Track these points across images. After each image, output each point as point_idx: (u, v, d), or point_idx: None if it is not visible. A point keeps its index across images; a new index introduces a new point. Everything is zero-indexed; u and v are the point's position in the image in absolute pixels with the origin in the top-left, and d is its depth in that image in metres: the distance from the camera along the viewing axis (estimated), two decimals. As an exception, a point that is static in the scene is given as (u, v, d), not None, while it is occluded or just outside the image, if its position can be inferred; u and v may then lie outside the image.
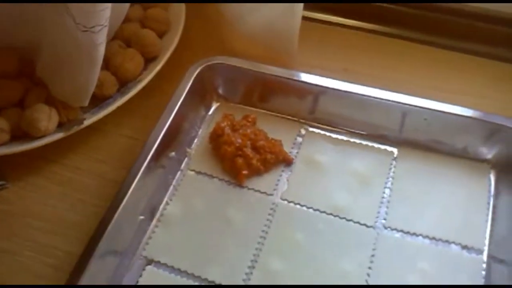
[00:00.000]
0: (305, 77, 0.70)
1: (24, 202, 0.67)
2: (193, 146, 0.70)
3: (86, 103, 0.69)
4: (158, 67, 0.74)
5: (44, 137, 0.67)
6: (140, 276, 0.58)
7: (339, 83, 0.69)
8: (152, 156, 0.63)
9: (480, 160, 0.65)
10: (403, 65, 0.79)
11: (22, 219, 0.65)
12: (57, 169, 0.69)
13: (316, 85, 0.70)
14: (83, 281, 0.54)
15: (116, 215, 0.58)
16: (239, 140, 0.66)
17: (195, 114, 0.72)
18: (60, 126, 0.69)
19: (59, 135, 0.67)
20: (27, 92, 0.71)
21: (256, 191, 0.65)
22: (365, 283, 0.57)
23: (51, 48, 0.67)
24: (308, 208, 0.63)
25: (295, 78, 0.70)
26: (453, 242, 0.59)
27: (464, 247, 0.59)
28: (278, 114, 0.72)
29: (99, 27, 0.60)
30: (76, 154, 0.71)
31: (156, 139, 0.64)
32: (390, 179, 0.65)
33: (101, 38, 0.61)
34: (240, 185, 0.65)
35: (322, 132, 0.70)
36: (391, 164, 0.66)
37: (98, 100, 0.72)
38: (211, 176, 0.66)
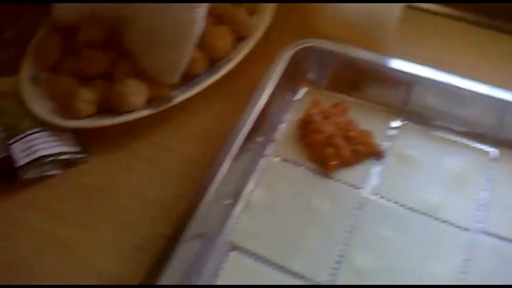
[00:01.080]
0: (401, 64, 0.67)
1: (106, 176, 0.67)
2: (279, 131, 0.68)
3: (176, 80, 0.68)
4: (250, 46, 0.72)
5: (131, 112, 0.67)
6: (224, 261, 0.57)
7: (436, 73, 0.66)
8: (241, 140, 0.62)
9: None
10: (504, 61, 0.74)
11: (104, 193, 0.65)
12: (141, 145, 0.69)
13: (412, 74, 0.66)
14: (171, 263, 0.53)
15: (205, 198, 0.57)
16: (330, 129, 0.64)
17: (283, 98, 0.69)
18: (148, 102, 0.68)
19: (147, 112, 0.67)
20: (115, 64, 0.70)
21: (344, 183, 0.62)
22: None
23: (146, 20, 0.66)
24: (400, 205, 0.60)
25: (390, 65, 0.67)
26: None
27: None
28: (369, 103, 0.69)
29: (200, 3, 0.58)
30: (160, 131, 0.70)
31: (246, 123, 0.63)
32: (490, 181, 0.61)
33: (201, 14, 0.59)
34: (328, 176, 0.63)
35: (416, 125, 0.66)
36: (490, 165, 0.62)
37: (186, 78, 0.70)
38: (297, 164, 0.64)
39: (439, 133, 0.66)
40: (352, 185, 0.62)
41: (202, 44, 0.71)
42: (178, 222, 0.56)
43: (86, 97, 0.66)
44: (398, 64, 0.67)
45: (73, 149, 0.67)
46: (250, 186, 0.63)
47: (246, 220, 0.60)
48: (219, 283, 0.56)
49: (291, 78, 0.70)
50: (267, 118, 0.67)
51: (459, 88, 0.64)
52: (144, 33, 0.67)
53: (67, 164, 0.67)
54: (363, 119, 0.66)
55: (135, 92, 0.66)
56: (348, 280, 0.55)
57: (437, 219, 0.59)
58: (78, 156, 0.67)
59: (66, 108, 0.67)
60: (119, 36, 0.71)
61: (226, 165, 0.60)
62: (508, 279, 0.54)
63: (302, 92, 0.71)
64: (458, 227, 0.58)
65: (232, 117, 0.67)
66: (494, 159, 0.63)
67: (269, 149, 0.66)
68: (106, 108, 0.68)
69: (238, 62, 0.71)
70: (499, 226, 0.58)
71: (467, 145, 0.64)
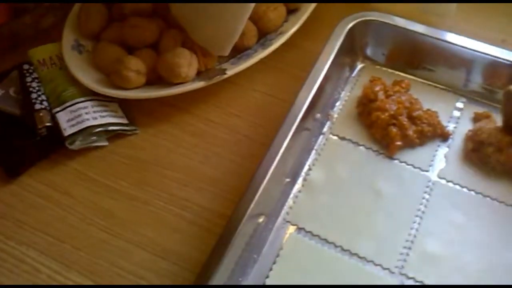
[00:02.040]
0: (464, 41, 0.64)
1: (156, 150, 0.64)
2: (336, 109, 0.64)
3: (228, 52, 0.65)
4: (302, 19, 0.68)
5: (182, 84, 0.63)
6: (285, 241, 0.55)
7: (502, 51, 0.62)
8: (301, 118, 0.58)
9: None
10: None
11: (154, 167, 0.62)
12: (190, 119, 0.66)
13: (475, 51, 0.63)
14: (235, 241, 0.51)
15: (267, 178, 0.54)
16: (394, 107, 0.60)
17: (340, 74, 0.66)
18: (198, 74, 0.65)
19: (200, 84, 0.63)
20: (162, 34, 0.67)
21: (409, 165, 0.59)
22: (537, 280, 0.51)
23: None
24: (470, 190, 0.57)
25: (449, 40, 0.64)
26: None
27: None
28: (430, 83, 0.66)
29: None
30: (209, 105, 0.67)
31: (305, 101, 0.59)
32: None
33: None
34: (391, 157, 0.60)
35: (481, 108, 0.63)
36: None
37: (237, 51, 0.67)
38: (357, 143, 0.61)
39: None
40: (418, 168, 0.59)
41: (253, 17, 0.68)
42: (238, 201, 0.53)
43: (135, 66, 0.63)
44: (461, 41, 0.64)
45: (121, 120, 0.64)
46: (308, 164, 0.60)
47: (305, 199, 0.57)
48: (278, 262, 0.53)
49: (348, 53, 0.67)
50: (324, 94, 0.63)
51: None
52: (195, 4, 0.63)
53: (115, 135, 0.64)
54: (426, 99, 0.63)
55: (186, 63, 0.63)
56: (418, 266, 0.52)
57: (509, 205, 0.56)
58: (127, 128, 0.64)
59: (114, 77, 0.63)
60: (167, 5, 0.67)
61: (286, 144, 0.56)
62: None
63: (358, 68, 0.68)
64: (533, 214, 0.55)
65: (285, 93, 0.65)
66: None
67: (327, 127, 0.63)
68: (156, 79, 0.65)
69: (289, 36, 0.68)
70: None
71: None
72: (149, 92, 0.63)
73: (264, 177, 0.54)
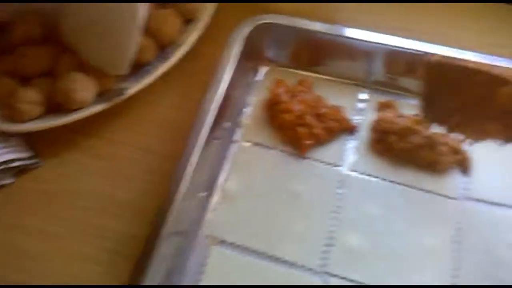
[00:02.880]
0: (358, 33, 0.65)
1: (64, 180, 0.61)
2: (245, 115, 0.64)
3: (125, 71, 0.62)
4: (200, 29, 0.67)
5: (81, 109, 0.61)
6: (207, 257, 0.53)
7: (396, 39, 0.64)
8: (208, 127, 0.57)
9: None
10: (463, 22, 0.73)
11: (63, 198, 0.59)
12: (96, 144, 0.63)
13: (374, 43, 0.64)
14: (152, 265, 0.49)
15: (180, 193, 0.53)
16: (299, 108, 0.60)
17: (244, 79, 0.66)
18: (98, 97, 0.62)
19: (99, 107, 0.61)
20: (57, 60, 0.64)
21: (321, 162, 0.60)
22: (453, 259, 0.53)
23: (85, 11, 0.60)
24: (382, 179, 0.58)
25: (348, 35, 0.65)
26: (541, 211, 0.56)
27: (554, 216, 0.55)
28: (334, 78, 0.66)
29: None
30: (116, 127, 0.64)
31: (210, 109, 0.59)
32: (466, 145, 0.60)
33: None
34: (303, 156, 0.60)
35: (385, 97, 0.64)
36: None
37: (136, 67, 0.65)
38: (269, 147, 0.61)
39: (411, 102, 0.63)
40: (330, 164, 0.59)
41: (149, 30, 0.66)
42: (153, 221, 0.52)
43: (29, 97, 0.60)
44: (359, 34, 0.65)
45: (24, 154, 0.60)
46: (223, 175, 0.59)
47: (224, 211, 0.56)
48: (204, 279, 0.52)
49: (250, 58, 0.66)
50: (230, 102, 0.62)
51: (427, 53, 0.62)
52: (84, 24, 0.61)
53: (20, 171, 0.60)
54: (330, 95, 0.64)
55: (82, 87, 0.60)
56: (340, 262, 0.53)
57: (421, 190, 0.57)
58: (31, 161, 0.61)
59: (8, 112, 0.60)
60: (57, 30, 0.65)
61: (196, 156, 0.55)
62: (500, 243, 0.54)
63: (262, 72, 0.68)
64: (444, 196, 0.57)
65: (191, 104, 0.63)
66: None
67: (238, 135, 0.62)
68: (54, 107, 0.61)
69: (189, 46, 0.66)
70: (484, 191, 0.57)
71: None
72: (47, 122, 0.60)
73: (175, 194, 0.52)
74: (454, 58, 0.54)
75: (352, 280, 0.51)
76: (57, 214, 0.58)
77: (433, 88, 0.55)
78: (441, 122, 0.56)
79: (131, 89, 0.62)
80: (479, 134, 0.54)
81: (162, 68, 0.64)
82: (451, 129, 0.56)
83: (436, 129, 0.58)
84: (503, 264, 0.52)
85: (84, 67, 0.63)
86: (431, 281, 0.51)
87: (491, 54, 0.61)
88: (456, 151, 0.58)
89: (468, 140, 0.55)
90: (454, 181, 0.58)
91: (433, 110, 0.56)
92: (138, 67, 0.65)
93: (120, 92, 0.62)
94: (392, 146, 0.58)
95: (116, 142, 0.63)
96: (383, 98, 0.64)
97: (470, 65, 0.52)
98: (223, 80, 0.61)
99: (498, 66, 0.53)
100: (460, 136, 0.56)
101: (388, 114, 0.60)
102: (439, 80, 0.54)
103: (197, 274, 0.52)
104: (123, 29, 0.60)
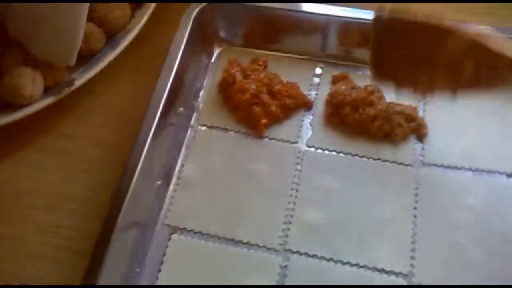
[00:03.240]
0: (312, 7, 0.64)
1: (17, 179, 0.59)
2: (200, 99, 0.63)
3: (73, 61, 0.61)
4: (148, 13, 0.66)
5: (30, 104, 0.59)
6: (167, 246, 0.52)
7: (350, 10, 0.63)
8: (161, 114, 0.56)
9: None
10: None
11: (19, 199, 0.58)
12: (49, 140, 0.62)
13: (324, 15, 0.63)
14: (107, 260, 0.48)
15: (133, 183, 0.51)
16: (253, 86, 0.59)
17: (197, 62, 0.64)
18: (46, 90, 0.61)
19: (48, 101, 0.59)
20: (2, 56, 0.62)
21: (278, 140, 0.59)
22: (413, 226, 0.52)
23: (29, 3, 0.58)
24: (338, 152, 0.57)
25: (302, 9, 0.64)
26: (497, 172, 0.55)
27: (510, 175, 0.55)
28: (288, 55, 0.65)
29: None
30: (68, 121, 0.63)
31: (162, 95, 0.57)
32: (421, 112, 0.60)
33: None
34: (260, 136, 0.59)
35: (340, 70, 0.63)
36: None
37: (85, 57, 0.63)
38: (226, 130, 0.60)
39: (366, 72, 0.62)
40: (287, 141, 0.59)
41: (95, 17, 0.64)
42: (106, 215, 0.50)
43: (-26, 96, 0.58)
44: (311, 7, 0.64)
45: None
46: (179, 161, 0.58)
47: (182, 198, 0.55)
48: (164, 268, 0.51)
49: (201, 40, 0.65)
50: (184, 86, 0.61)
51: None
52: (28, 16, 0.59)
53: (-31, 174, 0.58)
54: (285, 72, 0.63)
55: (29, 81, 0.58)
56: (301, 238, 0.52)
57: (377, 159, 0.57)
58: (-20, 163, 0.59)
59: (-48, 112, 0.58)
60: (1, 24, 0.62)
61: (150, 144, 0.54)
62: (457, 206, 0.54)
63: (216, 53, 0.66)
64: (400, 164, 0.56)
65: (144, 91, 0.61)
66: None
67: (193, 119, 0.61)
68: (2, 105, 0.60)
69: (138, 31, 0.65)
70: (438, 155, 0.57)
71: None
72: (-4, 120, 0.58)
73: (129, 184, 0.51)
74: (403, 14, 0.52)
75: (313, 256, 0.51)
76: (9, 216, 0.56)
77: (381, 45, 0.54)
78: (389, 78, 0.55)
79: (79, 80, 0.60)
80: (428, 87, 0.53)
81: (110, 56, 0.62)
82: (399, 85, 0.55)
83: (390, 97, 0.58)
84: (460, 227, 0.52)
85: (31, 61, 0.61)
86: (391, 250, 0.51)
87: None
88: (412, 119, 0.58)
89: (418, 96, 0.55)
90: (409, 148, 0.57)
91: (382, 67, 0.55)
92: (88, 57, 0.64)
93: (69, 83, 0.61)
94: (346, 119, 0.58)
95: (68, 136, 0.62)
96: (337, 72, 0.63)
97: (420, 19, 0.51)
98: (174, 64, 0.59)
99: (449, 20, 0.51)
100: (413, 102, 0.55)
101: (342, 87, 0.59)
102: (387, 36, 0.53)
103: (157, 264, 0.51)
104: (67, 19, 0.58)
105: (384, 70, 0.55)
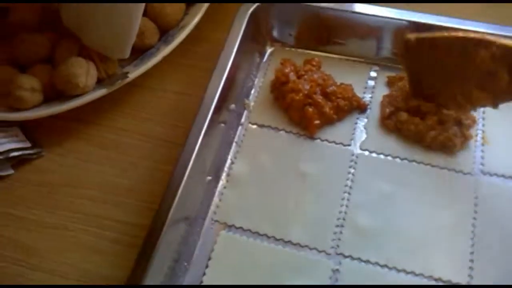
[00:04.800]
0: (367, 9, 0.62)
1: (66, 170, 0.59)
2: (251, 97, 0.62)
3: (127, 54, 0.61)
4: (202, 11, 0.65)
5: (83, 95, 0.59)
6: (215, 242, 0.51)
7: (405, 13, 0.62)
8: (213, 111, 0.55)
9: None
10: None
11: (65, 189, 0.58)
12: (99, 132, 0.62)
13: (379, 17, 0.62)
14: (157, 254, 0.47)
15: (185, 178, 0.51)
16: (307, 87, 0.58)
17: (250, 61, 0.64)
18: (99, 82, 0.61)
19: (101, 92, 0.59)
20: (56, 46, 0.62)
21: (331, 142, 0.58)
22: (471, 235, 0.50)
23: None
24: (393, 157, 0.56)
25: (356, 11, 0.63)
26: (561, 183, 0.53)
27: None
28: (342, 57, 0.64)
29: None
30: (118, 114, 0.63)
31: (215, 92, 0.56)
32: (481, 119, 0.58)
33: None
34: (312, 137, 0.58)
35: (395, 73, 0.62)
36: (482, 104, 0.59)
37: (139, 52, 0.63)
38: (277, 129, 0.59)
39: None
40: (340, 143, 0.57)
41: (150, 12, 0.65)
42: (157, 209, 0.50)
43: (28, 84, 0.58)
44: (366, 9, 0.62)
45: (23, 144, 0.59)
46: (229, 158, 0.57)
47: (231, 195, 0.55)
48: (212, 265, 0.50)
49: (255, 39, 0.64)
50: (236, 84, 0.61)
51: (436, 26, 0.60)
52: (84, 8, 0.59)
53: (20, 161, 0.59)
54: (339, 74, 0.61)
55: (83, 72, 0.59)
56: (353, 242, 0.51)
57: (435, 166, 0.55)
58: (31, 151, 0.59)
59: (8, 99, 0.58)
60: (56, 15, 0.63)
61: (202, 140, 0.53)
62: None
63: (268, 52, 0.66)
64: (459, 172, 0.54)
65: (195, 88, 0.61)
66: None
67: (244, 117, 0.60)
68: (54, 95, 0.60)
69: (192, 28, 0.65)
70: (499, 165, 0.55)
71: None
72: (48, 109, 0.58)
73: (181, 179, 0.50)
74: (429, 32, 0.52)
75: (366, 261, 0.49)
76: (58, 205, 0.56)
77: (415, 65, 0.54)
78: (428, 96, 0.55)
79: (133, 74, 0.60)
80: (467, 101, 0.53)
81: (164, 52, 0.62)
82: (439, 102, 0.54)
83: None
84: (521, 238, 0.50)
85: (85, 52, 0.61)
86: (448, 259, 0.49)
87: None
88: (468, 127, 0.56)
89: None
90: (468, 156, 0.55)
91: (419, 86, 0.55)
92: (142, 51, 0.64)
93: (122, 76, 0.60)
94: (402, 125, 0.56)
95: (118, 129, 0.62)
96: (392, 74, 0.61)
97: (446, 35, 0.51)
98: (228, 63, 0.59)
99: (472, 31, 0.52)
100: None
101: (399, 91, 0.58)
102: (419, 57, 0.53)
103: (204, 260, 0.51)
104: (125, 13, 0.58)
105: (422, 89, 0.55)
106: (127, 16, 0.58)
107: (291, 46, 0.66)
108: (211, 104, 0.56)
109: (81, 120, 0.62)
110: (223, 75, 0.58)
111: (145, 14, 0.64)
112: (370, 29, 0.63)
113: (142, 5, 0.58)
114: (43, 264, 0.53)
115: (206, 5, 0.66)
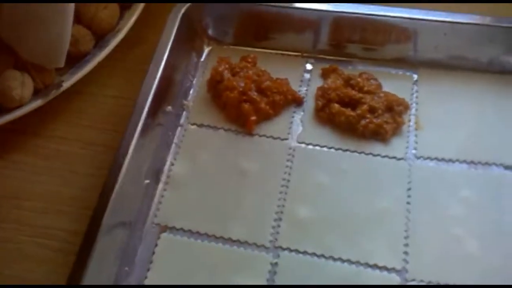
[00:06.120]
0: (303, 4, 0.63)
1: (9, 182, 0.59)
2: (189, 97, 0.62)
3: (62, 63, 0.60)
4: (137, 13, 0.65)
5: (20, 107, 0.59)
6: (156, 245, 0.52)
7: (341, 5, 0.62)
8: (147, 113, 0.56)
9: (508, 72, 0.60)
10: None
11: (9, 201, 0.57)
12: (40, 142, 0.61)
13: (317, 10, 0.63)
14: (92, 260, 0.47)
15: (118, 183, 0.51)
16: (242, 84, 0.59)
17: (187, 62, 0.64)
18: (36, 93, 0.60)
19: (37, 103, 0.59)
20: (-8, 59, 0.62)
21: (268, 137, 0.58)
22: (406, 220, 0.51)
23: (17, 4, 0.58)
24: (329, 148, 0.57)
25: (293, 6, 0.63)
26: (494, 164, 0.54)
27: (507, 167, 0.54)
28: (279, 51, 0.65)
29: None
30: (58, 123, 0.63)
31: (148, 94, 0.57)
32: (414, 105, 0.59)
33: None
34: (250, 133, 0.58)
35: (331, 64, 0.63)
36: (412, 89, 0.60)
37: (75, 59, 0.63)
38: (215, 128, 0.59)
39: (357, 67, 0.62)
40: (277, 138, 0.58)
41: (83, 19, 0.64)
42: (91, 215, 0.50)
43: (-36, 100, 0.58)
44: (301, 4, 0.63)
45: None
46: (169, 160, 0.57)
47: (171, 197, 0.55)
48: (153, 267, 0.50)
49: (190, 39, 0.64)
50: (173, 85, 0.61)
51: (370, 15, 0.61)
52: (15, 18, 0.59)
53: (-40, 177, 0.58)
54: (275, 69, 0.62)
55: (18, 84, 0.58)
56: (291, 235, 0.51)
57: (369, 154, 0.56)
58: (-30, 166, 0.59)
59: None
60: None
61: (136, 143, 0.54)
62: (451, 199, 0.52)
63: (206, 51, 0.66)
64: (392, 158, 0.55)
65: (134, 91, 0.61)
66: (415, 82, 0.61)
67: (183, 118, 0.61)
68: (-8, 109, 0.60)
69: (127, 31, 0.65)
70: (432, 148, 0.56)
71: (388, 72, 0.62)
72: (-14, 123, 0.58)
73: (114, 184, 0.51)
74: None
75: (303, 252, 0.50)
76: (2, 218, 0.56)
77: None
78: None
79: (67, 82, 0.60)
80: None
81: (100, 57, 0.62)
82: None
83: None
84: (455, 220, 0.51)
85: (20, 65, 0.61)
86: (384, 244, 0.50)
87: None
88: (400, 113, 0.57)
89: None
90: (401, 142, 0.56)
91: None
92: (78, 58, 0.64)
93: (57, 86, 0.60)
94: (334, 116, 0.57)
95: (59, 138, 0.62)
96: (326, 66, 0.62)
97: None
98: (161, 63, 0.59)
99: None
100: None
101: (330, 83, 0.59)
102: None
103: (145, 264, 0.51)
104: (54, 21, 0.58)
105: None
106: (56, 26, 0.58)
107: (228, 44, 0.66)
108: (144, 107, 0.56)
109: (22, 131, 0.62)
110: (156, 77, 0.58)
111: (78, 21, 0.64)
112: (307, 23, 0.64)
113: (72, 12, 0.58)
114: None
115: (140, 7, 0.66)
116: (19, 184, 0.59)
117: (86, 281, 0.46)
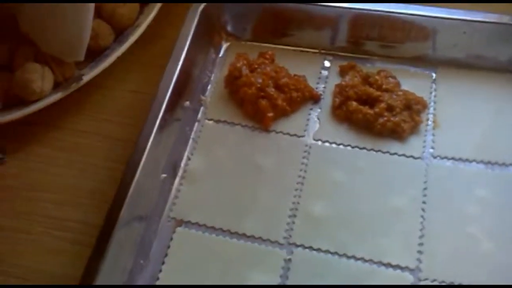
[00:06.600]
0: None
1: (28, 174, 0.60)
2: (207, 93, 0.63)
3: (82, 57, 0.61)
4: (156, 9, 0.66)
5: (40, 99, 0.60)
6: (171, 239, 0.52)
7: (359, 3, 0.62)
8: (166, 108, 0.56)
9: (527, 72, 0.60)
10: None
11: (27, 193, 0.58)
12: (59, 135, 0.62)
13: (335, 7, 0.62)
14: (109, 253, 0.48)
15: (136, 177, 0.51)
16: (260, 80, 0.59)
17: (205, 57, 0.64)
18: (56, 86, 0.61)
19: (57, 96, 0.60)
20: (13, 53, 0.63)
21: (285, 134, 0.58)
22: (421, 219, 0.51)
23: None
24: (345, 146, 0.57)
25: (311, 3, 0.63)
26: (511, 164, 0.54)
27: (524, 168, 0.54)
28: (297, 48, 0.65)
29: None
30: (78, 116, 0.63)
31: (167, 89, 0.57)
32: (432, 103, 0.58)
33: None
34: (266, 130, 0.58)
35: (349, 61, 0.62)
36: (431, 87, 0.60)
37: (95, 53, 0.64)
38: (232, 124, 0.60)
39: (375, 64, 0.62)
40: (294, 135, 0.58)
41: (103, 14, 0.65)
42: (108, 209, 0.50)
43: (-15, 92, 0.59)
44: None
45: (-15, 151, 0.60)
46: (186, 155, 0.58)
47: (187, 192, 0.55)
48: (168, 261, 0.51)
49: (209, 34, 0.65)
50: (191, 80, 0.61)
51: (389, 13, 0.61)
52: (37, 10, 0.60)
53: (-18, 168, 0.60)
54: (293, 65, 0.62)
55: (39, 77, 0.59)
56: (305, 232, 0.51)
57: (386, 152, 0.56)
58: (-7, 157, 0.60)
59: (-35, 107, 0.59)
60: (13, 21, 0.63)
61: (154, 138, 0.54)
62: (468, 199, 0.52)
63: (224, 47, 0.66)
64: (409, 157, 0.55)
65: (152, 86, 0.61)
66: (434, 81, 0.60)
67: (200, 113, 0.61)
68: (14, 101, 0.61)
69: (147, 27, 0.65)
70: (449, 148, 0.55)
71: (406, 70, 0.61)
72: (7, 116, 0.59)
73: (132, 178, 0.51)
74: None
75: (317, 249, 0.50)
76: (20, 209, 0.57)
77: None
78: None
79: (87, 76, 0.61)
80: None
81: (120, 51, 0.63)
82: None
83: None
84: (471, 220, 0.51)
85: (41, 58, 0.62)
86: (398, 243, 0.50)
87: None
88: (417, 112, 0.57)
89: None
90: (419, 141, 0.56)
91: None
92: (98, 53, 0.64)
93: (77, 79, 0.61)
94: (352, 114, 0.57)
95: (78, 131, 0.62)
96: (344, 63, 0.62)
97: None
98: (180, 58, 0.59)
99: None
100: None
101: (348, 80, 0.59)
102: None
103: (160, 257, 0.51)
104: (75, 16, 0.59)
105: None
106: (77, 20, 0.58)
107: (246, 40, 0.66)
108: (163, 102, 0.56)
109: (42, 124, 0.63)
110: (174, 72, 0.58)
111: (98, 16, 0.64)
112: (325, 20, 0.63)
113: (92, 6, 0.59)
114: (6, 267, 0.53)
115: (159, 3, 0.66)
116: (37, 176, 0.60)
117: (102, 273, 0.47)
